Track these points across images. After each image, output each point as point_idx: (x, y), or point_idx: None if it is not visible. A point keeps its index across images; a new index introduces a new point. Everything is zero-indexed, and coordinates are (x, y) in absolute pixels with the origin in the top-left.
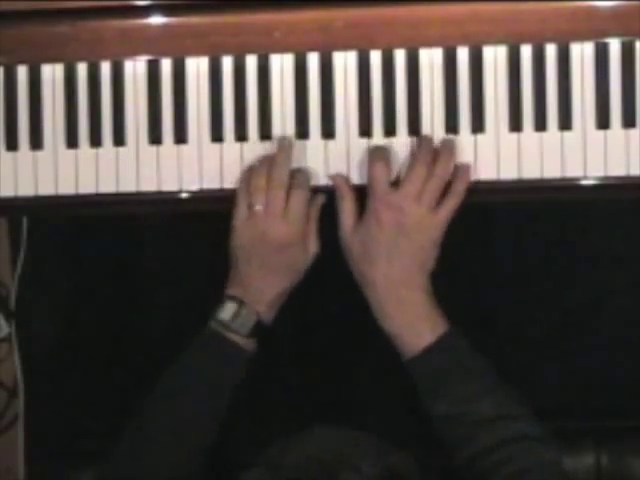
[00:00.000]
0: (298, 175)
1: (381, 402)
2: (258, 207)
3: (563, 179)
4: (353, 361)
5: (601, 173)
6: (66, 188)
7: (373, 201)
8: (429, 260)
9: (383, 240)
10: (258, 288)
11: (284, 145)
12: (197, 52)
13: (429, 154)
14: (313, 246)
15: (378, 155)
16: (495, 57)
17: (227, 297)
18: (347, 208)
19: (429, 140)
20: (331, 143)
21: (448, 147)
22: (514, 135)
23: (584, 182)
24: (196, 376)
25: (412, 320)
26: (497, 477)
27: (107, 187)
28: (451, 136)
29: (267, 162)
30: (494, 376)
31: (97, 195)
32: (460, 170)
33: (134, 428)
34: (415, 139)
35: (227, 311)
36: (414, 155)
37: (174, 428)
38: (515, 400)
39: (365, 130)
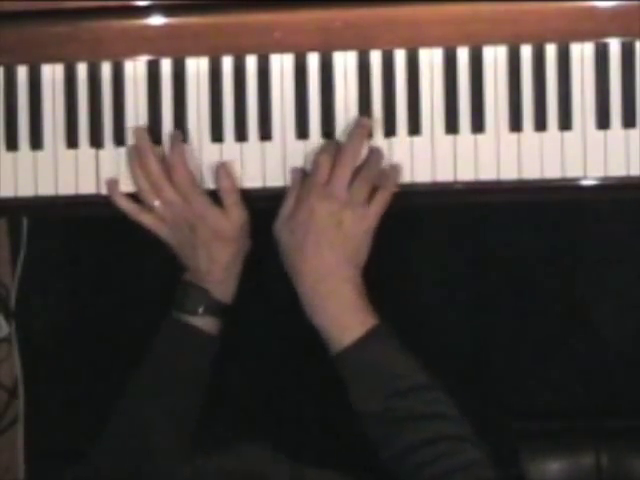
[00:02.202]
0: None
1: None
2: (156, 203)
3: (563, 179)
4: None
5: (601, 173)
6: (66, 188)
7: (308, 191)
8: (360, 253)
9: (314, 229)
10: (197, 266)
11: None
12: (197, 52)
13: (359, 147)
14: (235, 214)
15: (328, 147)
16: (495, 57)
17: (180, 283)
18: (289, 203)
19: (358, 134)
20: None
21: (377, 150)
22: (514, 135)
23: (584, 182)
24: (163, 365)
25: (340, 313)
26: (420, 479)
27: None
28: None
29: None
30: (423, 374)
31: (97, 195)
32: (392, 167)
33: (109, 427)
34: (414, 138)
35: (179, 295)
36: (342, 150)
37: (147, 420)
38: (442, 399)
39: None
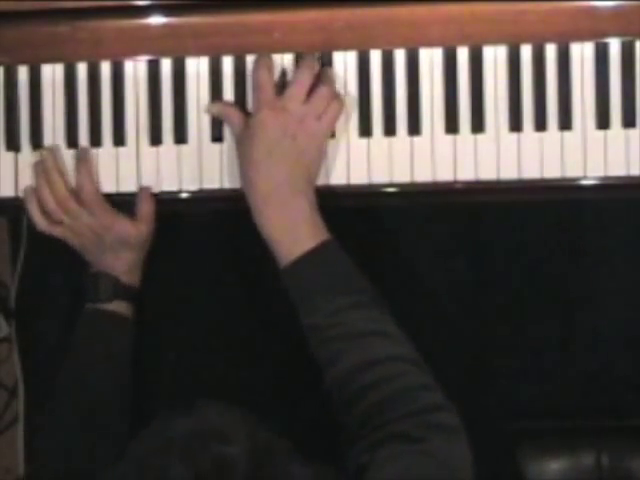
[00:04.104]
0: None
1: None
2: (64, 218)
3: (563, 179)
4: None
5: (601, 173)
6: None
7: (258, 106)
8: (313, 167)
9: (266, 141)
10: (104, 262)
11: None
12: (197, 52)
13: (313, 64)
14: (145, 227)
15: (262, 62)
16: (495, 57)
17: (86, 277)
18: (235, 120)
19: (312, 56)
20: (331, 143)
21: (330, 69)
22: (514, 135)
23: (584, 182)
24: (85, 353)
25: (292, 225)
26: (363, 403)
27: (107, 187)
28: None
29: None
30: (373, 291)
31: None
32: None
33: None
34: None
35: (89, 286)
36: (299, 63)
37: (77, 413)
38: (389, 318)
39: (365, 130)
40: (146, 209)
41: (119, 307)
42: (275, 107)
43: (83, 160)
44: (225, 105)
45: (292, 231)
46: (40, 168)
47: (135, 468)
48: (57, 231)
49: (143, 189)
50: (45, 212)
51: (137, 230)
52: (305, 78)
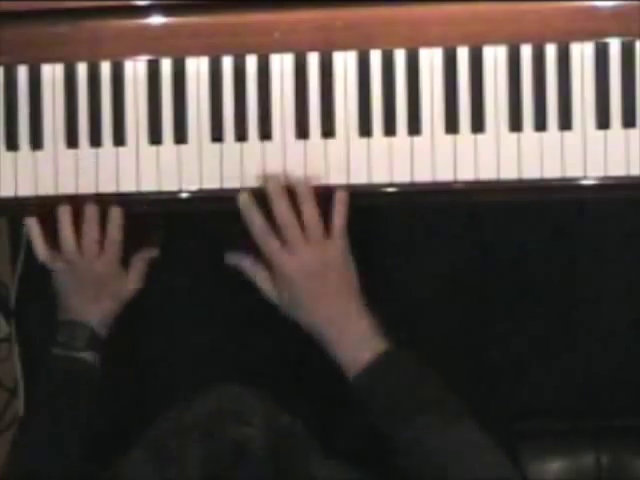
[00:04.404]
0: (112, 220)
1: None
2: (73, 258)
3: (563, 179)
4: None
5: (601, 173)
6: (66, 188)
7: (271, 262)
8: (351, 281)
9: (302, 289)
10: (80, 310)
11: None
12: (197, 52)
13: (284, 198)
14: (133, 285)
15: (254, 217)
16: (495, 57)
17: (60, 323)
18: (263, 285)
19: (276, 185)
20: (331, 143)
21: (301, 187)
22: (514, 135)
23: (584, 182)
24: (52, 399)
25: (353, 343)
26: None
27: (107, 187)
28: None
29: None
30: (443, 389)
31: (97, 195)
32: (336, 194)
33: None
34: (414, 138)
35: (63, 333)
36: (274, 208)
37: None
38: (464, 413)
39: (365, 130)
40: (140, 267)
41: (90, 356)
42: (286, 259)
43: (116, 209)
44: (251, 264)
45: (354, 349)
46: (62, 210)
47: (151, 451)
48: (58, 266)
49: (144, 252)
50: (52, 244)
51: (133, 286)
52: (288, 218)
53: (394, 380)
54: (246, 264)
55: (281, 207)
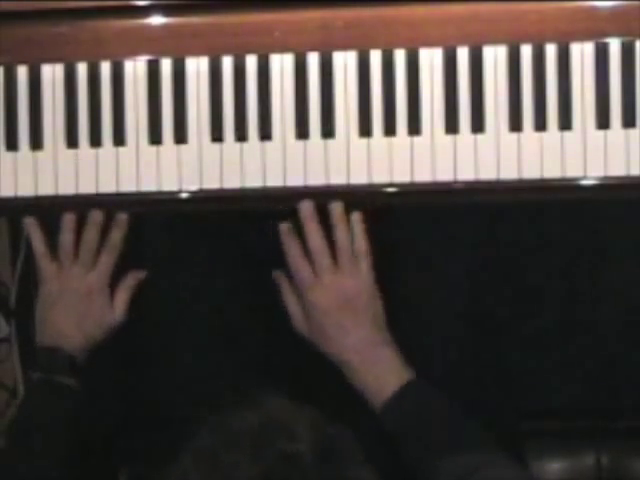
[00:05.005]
0: (113, 236)
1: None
2: (67, 263)
3: (563, 179)
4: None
5: (601, 173)
6: (66, 188)
7: (303, 293)
8: (378, 312)
9: (329, 319)
10: (67, 336)
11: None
12: (197, 52)
13: (314, 221)
14: (119, 313)
15: (291, 246)
16: (495, 57)
17: (42, 348)
18: (292, 308)
19: (308, 208)
20: (331, 143)
21: (336, 211)
22: (514, 135)
23: (584, 182)
24: (32, 423)
25: (380, 372)
26: None
27: (107, 187)
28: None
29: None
30: (462, 419)
31: (97, 195)
32: (352, 215)
33: None
34: (414, 138)
35: (44, 359)
36: (305, 230)
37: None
38: (488, 442)
39: (365, 130)
40: (124, 298)
41: (70, 382)
42: (318, 289)
43: (120, 226)
44: (287, 285)
45: (379, 380)
46: (67, 218)
47: (200, 462)
48: (51, 268)
49: (131, 276)
50: (51, 248)
51: (118, 315)
52: (318, 245)
53: (423, 409)
54: (285, 285)
55: (311, 231)
